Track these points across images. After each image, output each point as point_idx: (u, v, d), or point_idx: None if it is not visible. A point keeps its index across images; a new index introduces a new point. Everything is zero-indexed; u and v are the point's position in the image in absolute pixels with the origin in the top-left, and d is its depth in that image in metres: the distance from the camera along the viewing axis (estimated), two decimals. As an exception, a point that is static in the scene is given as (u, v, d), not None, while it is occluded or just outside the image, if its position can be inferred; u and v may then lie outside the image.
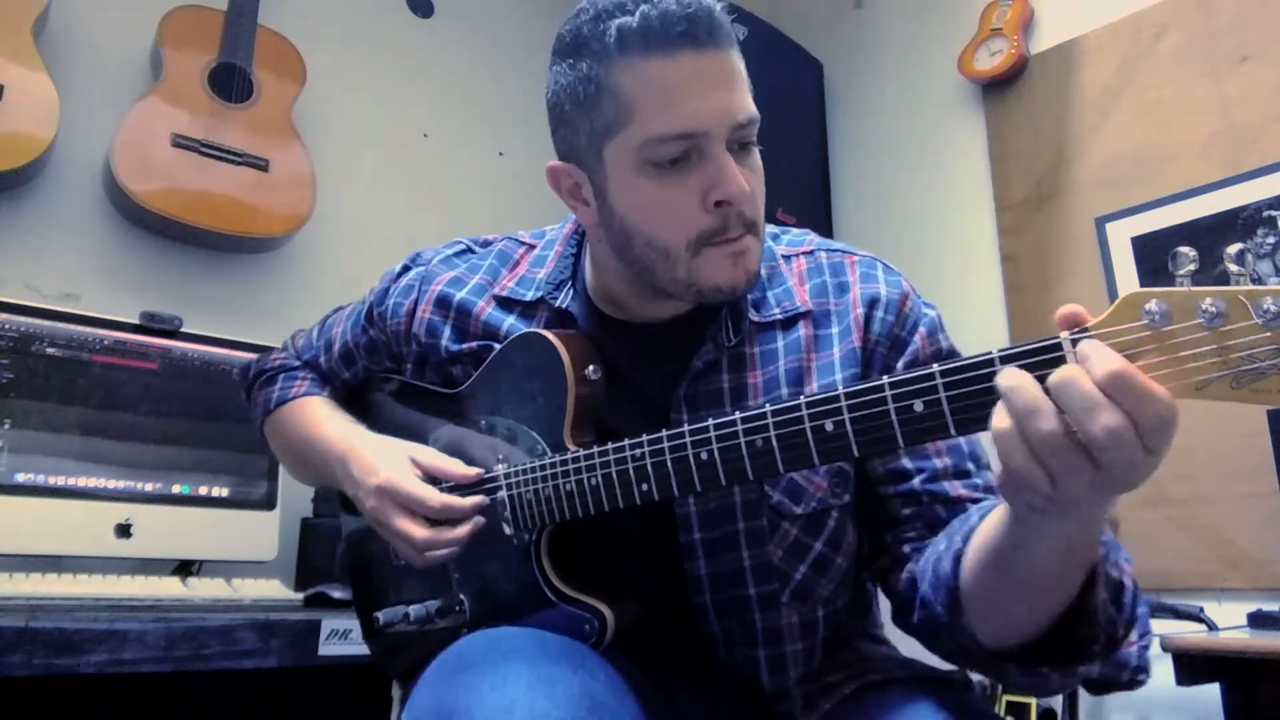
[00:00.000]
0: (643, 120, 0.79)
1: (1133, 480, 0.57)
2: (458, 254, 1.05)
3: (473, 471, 0.92)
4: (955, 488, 0.85)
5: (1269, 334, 0.53)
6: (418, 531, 0.89)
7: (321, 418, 1.08)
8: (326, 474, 1.04)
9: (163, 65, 1.97)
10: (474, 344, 0.98)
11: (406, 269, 1.07)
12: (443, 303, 1.00)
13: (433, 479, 0.93)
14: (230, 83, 2.01)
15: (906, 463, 0.87)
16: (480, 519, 0.90)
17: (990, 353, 0.61)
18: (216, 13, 2.05)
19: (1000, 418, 0.58)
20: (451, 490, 0.92)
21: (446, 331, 0.99)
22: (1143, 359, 0.57)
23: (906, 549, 0.86)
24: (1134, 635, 0.71)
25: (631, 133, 0.80)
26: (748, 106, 0.82)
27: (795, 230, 1.01)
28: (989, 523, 0.71)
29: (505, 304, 0.98)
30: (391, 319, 1.04)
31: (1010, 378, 0.58)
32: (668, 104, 0.78)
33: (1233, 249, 0.58)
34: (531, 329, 0.93)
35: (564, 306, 0.94)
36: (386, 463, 0.93)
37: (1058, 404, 0.56)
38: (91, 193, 1.95)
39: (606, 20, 0.79)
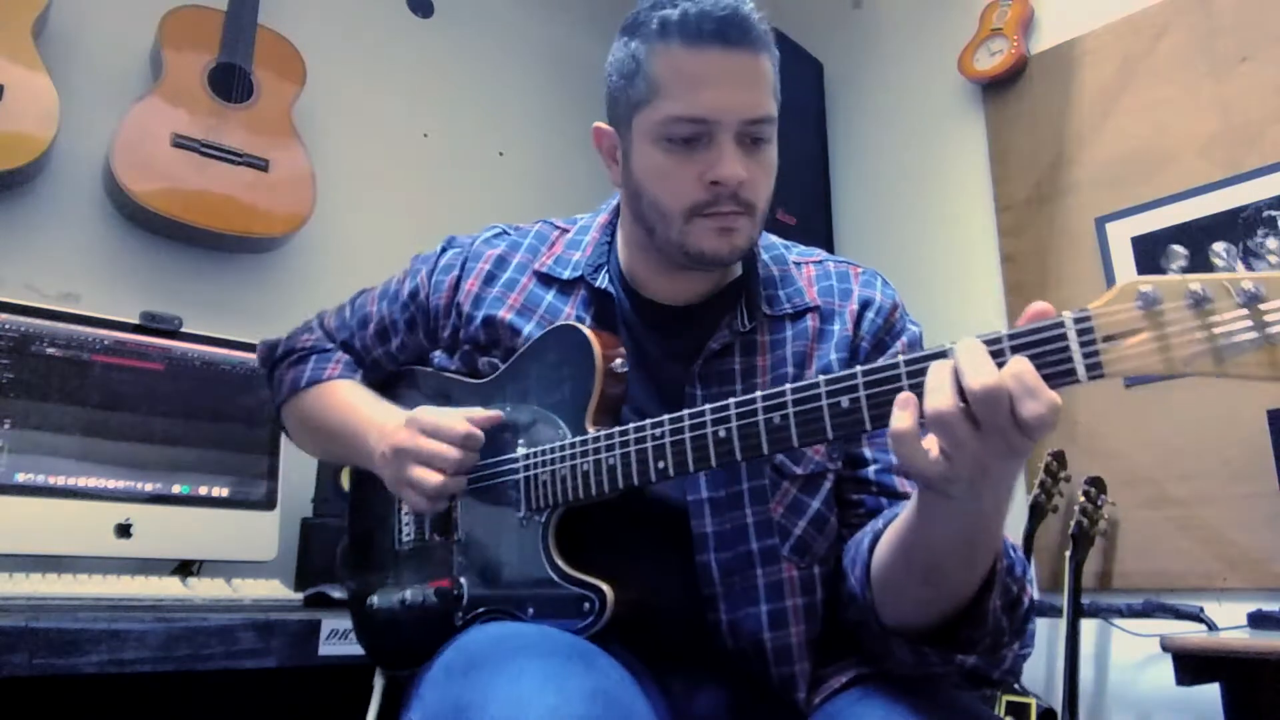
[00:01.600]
0: (666, 100, 0.89)
1: (1005, 458, 0.65)
2: (496, 235, 1.10)
3: (483, 414, 0.96)
4: (903, 484, 0.93)
5: (1247, 312, 0.59)
6: (449, 450, 0.92)
7: (358, 400, 1.10)
8: (358, 450, 1.05)
9: (163, 65, 1.97)
10: (509, 315, 1.01)
11: (445, 250, 1.11)
12: (490, 280, 1.05)
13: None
14: (230, 83, 2.01)
15: (866, 451, 0.95)
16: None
17: (999, 332, 0.66)
18: (216, 13, 2.05)
19: (903, 420, 0.67)
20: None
21: (487, 303, 1.03)
22: (1136, 336, 0.62)
23: (845, 532, 0.93)
24: (1016, 644, 0.79)
25: (655, 109, 0.90)
26: (762, 105, 0.90)
27: (804, 246, 1.09)
28: (902, 513, 0.78)
29: (545, 280, 1.03)
30: (435, 294, 1.07)
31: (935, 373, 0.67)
32: (688, 90, 0.88)
33: (1219, 245, 0.64)
34: (566, 322, 0.97)
35: (603, 287, 1.00)
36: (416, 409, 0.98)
37: (957, 363, 0.65)
38: (91, 193, 1.94)
39: (658, 10, 0.90)
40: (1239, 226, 1.93)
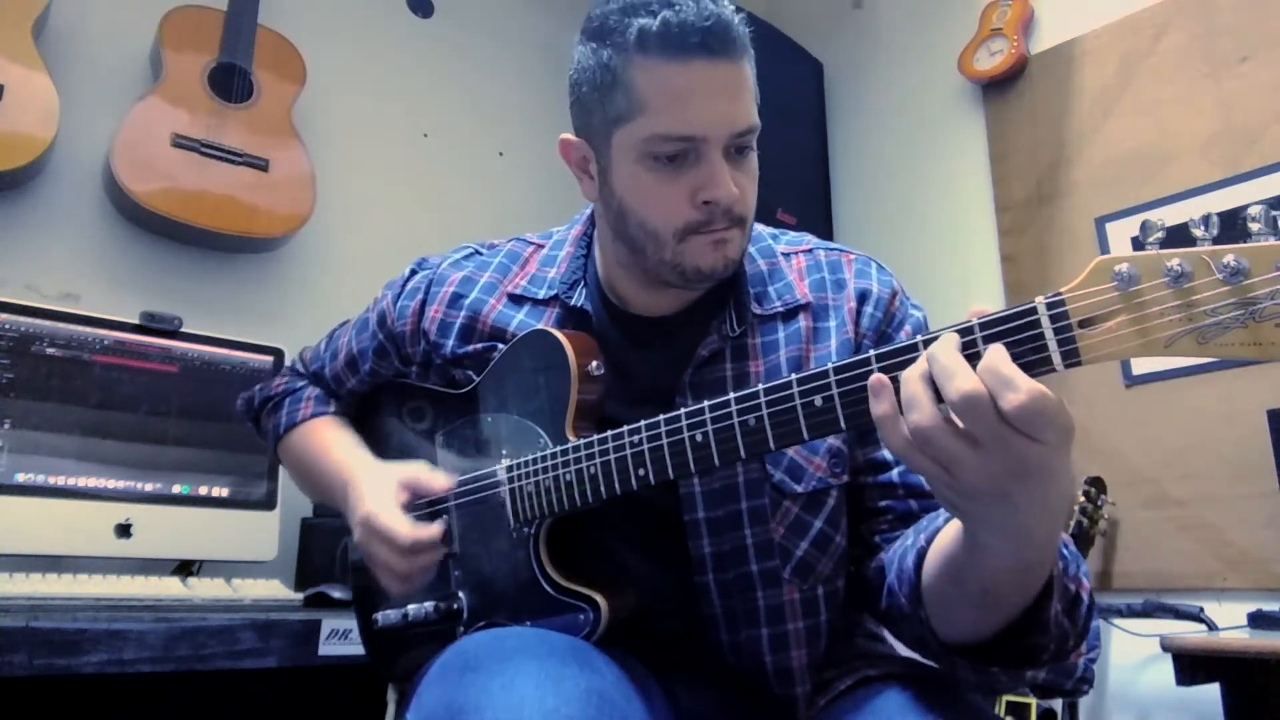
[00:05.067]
0: (650, 117, 0.84)
1: (1025, 468, 0.58)
2: (466, 256, 1.07)
3: (441, 485, 0.96)
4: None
5: (1229, 289, 0.56)
6: (396, 563, 0.92)
7: (329, 442, 1.10)
8: (333, 500, 1.07)
9: (163, 65, 1.97)
10: (479, 345, 1.00)
11: (413, 273, 1.09)
12: (455, 302, 1.02)
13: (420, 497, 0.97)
14: (230, 83, 2.01)
15: (886, 454, 0.91)
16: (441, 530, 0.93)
17: (970, 321, 0.63)
18: (216, 13, 2.05)
19: (880, 405, 0.63)
20: (432, 505, 0.96)
21: (455, 331, 1.01)
22: (1113, 319, 0.58)
23: (878, 539, 0.90)
24: (1083, 648, 0.76)
25: (638, 126, 0.85)
26: (749, 116, 0.87)
27: (793, 233, 1.05)
28: (949, 532, 0.73)
29: (516, 300, 1.00)
30: (399, 320, 1.06)
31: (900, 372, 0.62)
32: (674, 106, 0.84)
33: (1197, 215, 0.59)
34: (538, 327, 0.95)
35: (579, 305, 0.96)
36: (373, 493, 0.96)
37: (930, 370, 0.60)
38: (91, 193, 1.94)
39: (631, 16, 0.84)
40: (1239, 227, 1.93)
